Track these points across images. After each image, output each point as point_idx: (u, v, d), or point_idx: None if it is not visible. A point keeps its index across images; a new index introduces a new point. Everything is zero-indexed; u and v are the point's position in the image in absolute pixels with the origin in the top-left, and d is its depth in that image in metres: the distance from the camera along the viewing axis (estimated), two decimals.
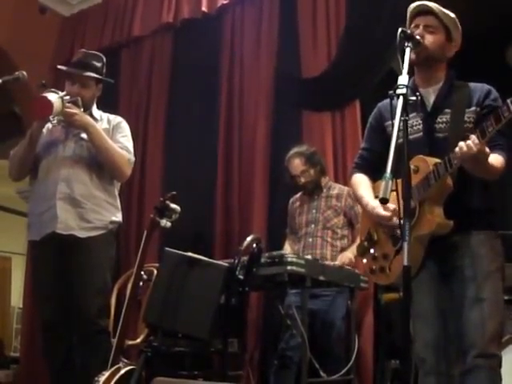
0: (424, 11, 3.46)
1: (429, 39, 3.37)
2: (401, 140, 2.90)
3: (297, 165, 5.89)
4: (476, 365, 3.06)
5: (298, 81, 7.19)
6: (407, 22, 3.51)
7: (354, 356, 5.46)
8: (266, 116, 7.23)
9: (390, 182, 2.54)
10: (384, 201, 2.57)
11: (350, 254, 5.57)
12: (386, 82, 5.25)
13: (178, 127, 7.83)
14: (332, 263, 5.41)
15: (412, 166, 3.17)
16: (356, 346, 5.52)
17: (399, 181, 2.79)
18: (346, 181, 6.00)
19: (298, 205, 6.05)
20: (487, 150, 2.97)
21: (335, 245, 5.76)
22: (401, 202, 2.71)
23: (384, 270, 3.41)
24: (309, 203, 5.96)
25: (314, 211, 5.88)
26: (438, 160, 3.16)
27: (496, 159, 3.15)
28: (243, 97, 7.48)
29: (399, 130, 2.78)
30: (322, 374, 5.19)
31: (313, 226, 5.81)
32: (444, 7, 3.49)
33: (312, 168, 5.90)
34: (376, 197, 3.30)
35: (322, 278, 5.00)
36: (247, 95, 7.46)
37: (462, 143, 2.91)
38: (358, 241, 5.11)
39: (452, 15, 3.50)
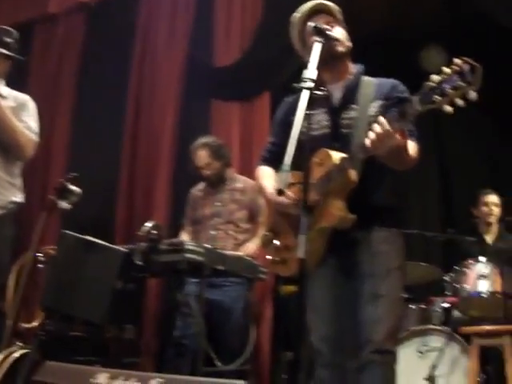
0: (319, 10, 3.45)
1: (337, 32, 3.36)
2: (310, 134, 2.93)
3: (202, 156, 5.83)
4: (371, 360, 3.07)
5: (209, 69, 7.17)
6: (299, 24, 3.49)
7: (250, 346, 5.46)
8: (175, 103, 7.19)
9: (287, 174, 2.53)
10: (280, 192, 2.57)
11: (253, 245, 5.59)
12: (298, 76, 5.26)
13: (87, 109, 7.70)
14: (232, 253, 5.38)
15: (317, 160, 3.20)
16: (253, 337, 5.52)
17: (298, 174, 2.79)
18: (251, 172, 6.00)
19: (202, 196, 5.98)
20: (403, 140, 2.94)
21: (238, 238, 5.73)
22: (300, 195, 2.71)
23: (285, 261, 3.40)
24: (213, 195, 5.90)
25: (217, 204, 5.84)
26: (342, 154, 3.15)
27: (411, 147, 3.13)
28: (154, 82, 7.42)
29: (306, 125, 2.78)
30: (217, 363, 5.17)
31: (216, 218, 5.77)
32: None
33: (217, 161, 5.84)
34: None
35: (220, 267, 4.97)
36: (158, 80, 7.40)
37: (370, 133, 2.88)
38: (260, 234, 5.15)
39: (337, 7, 3.51)
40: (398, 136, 2.83)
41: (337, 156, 3.15)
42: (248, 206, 5.80)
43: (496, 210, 6.39)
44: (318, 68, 3.07)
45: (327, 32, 3.20)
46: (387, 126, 2.78)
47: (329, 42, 3.22)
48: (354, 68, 3.51)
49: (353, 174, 3.11)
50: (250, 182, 5.81)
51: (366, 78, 3.47)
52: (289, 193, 3.20)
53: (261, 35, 6.95)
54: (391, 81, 3.43)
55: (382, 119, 2.81)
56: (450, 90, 2.53)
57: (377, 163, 3.10)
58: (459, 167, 8.33)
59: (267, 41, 6.78)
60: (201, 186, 6.05)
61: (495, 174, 7.91)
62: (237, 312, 5.54)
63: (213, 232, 5.67)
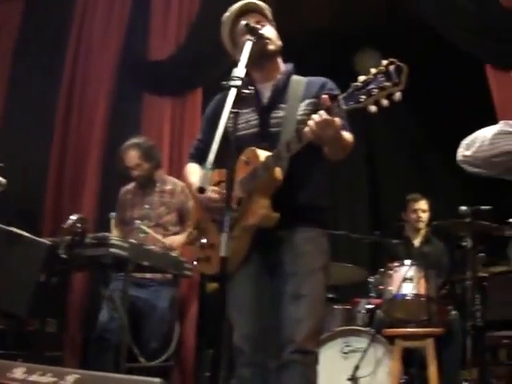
0: (250, 10, 3.45)
1: (267, 31, 3.35)
2: (238, 133, 2.95)
3: (132, 157, 5.75)
4: (292, 360, 3.05)
5: (143, 63, 7.13)
6: (229, 22, 3.47)
7: (174, 343, 5.42)
8: (108, 95, 7.13)
9: (209, 172, 2.52)
10: (201, 190, 2.54)
11: (180, 238, 5.57)
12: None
13: (18, 99, 7.53)
14: (157, 249, 5.34)
15: (244, 158, 3.19)
16: (177, 334, 5.49)
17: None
18: (181, 167, 5.98)
19: (130, 197, 5.90)
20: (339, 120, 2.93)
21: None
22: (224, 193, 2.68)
23: (209, 258, 3.38)
24: (142, 197, 5.83)
25: (146, 206, 5.76)
26: (269, 153, 3.14)
27: (345, 136, 3.13)
28: (87, 73, 7.33)
29: (233, 124, 2.77)
30: (141, 359, 5.12)
31: (145, 221, 5.67)
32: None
33: (147, 162, 5.76)
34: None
35: (145, 262, 4.91)
36: (92, 72, 7.31)
37: (310, 122, 2.86)
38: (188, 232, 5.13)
39: (265, 5, 3.51)
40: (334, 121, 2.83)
41: (263, 154, 3.14)
42: (177, 208, 5.76)
43: (424, 216, 6.46)
44: (249, 66, 3.06)
45: (259, 31, 3.19)
46: (326, 116, 2.79)
47: (260, 40, 3.21)
48: (283, 67, 3.50)
49: (278, 172, 3.11)
50: (179, 184, 5.77)
51: (296, 78, 3.47)
52: (211, 190, 3.19)
53: (196, 31, 6.95)
54: (321, 79, 3.43)
55: (321, 112, 2.82)
56: (376, 90, 2.55)
57: (304, 162, 3.11)
58: (388, 170, 8.44)
59: (202, 37, 6.77)
60: (130, 186, 5.97)
61: (424, 177, 8.03)
62: (162, 308, 5.50)
63: (142, 235, 5.57)
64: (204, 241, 3.45)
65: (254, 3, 3.46)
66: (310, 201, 3.30)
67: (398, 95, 2.53)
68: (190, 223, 4.64)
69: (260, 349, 3.21)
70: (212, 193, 3.23)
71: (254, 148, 3.20)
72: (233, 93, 2.74)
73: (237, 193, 3.14)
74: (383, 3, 7.81)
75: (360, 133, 8.12)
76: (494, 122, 5.78)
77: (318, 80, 3.43)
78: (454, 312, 5.64)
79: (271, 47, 3.35)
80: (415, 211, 6.50)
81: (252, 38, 3.10)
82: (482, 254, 5.59)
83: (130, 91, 7.10)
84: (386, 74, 2.52)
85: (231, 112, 2.71)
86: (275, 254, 3.24)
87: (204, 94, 6.72)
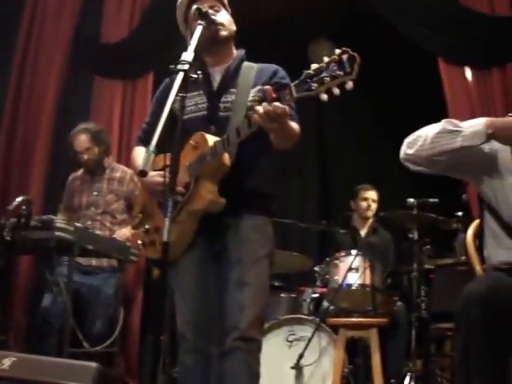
0: None
1: (221, 17, 3.34)
2: (186, 116, 2.97)
3: (82, 141, 5.72)
4: (235, 347, 3.05)
5: (95, 46, 7.07)
6: (184, 6, 3.42)
7: (118, 328, 5.39)
8: (59, 77, 7.03)
9: (152, 156, 2.48)
10: (143, 173, 2.50)
11: (126, 231, 5.54)
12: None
13: None
14: (103, 234, 5.31)
15: (192, 142, 3.17)
16: (122, 319, 5.46)
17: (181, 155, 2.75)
18: (130, 150, 5.94)
19: (79, 183, 5.86)
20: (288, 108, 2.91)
21: (113, 229, 5.66)
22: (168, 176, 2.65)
23: (154, 243, 3.36)
24: (90, 184, 5.80)
25: (95, 193, 5.74)
26: (217, 138, 3.12)
27: (293, 126, 3.15)
28: (39, 55, 7.19)
29: (180, 107, 2.74)
30: (85, 344, 5.08)
31: (93, 208, 5.67)
32: None
33: (96, 146, 5.75)
34: (155, 170, 3.27)
35: (90, 246, 4.88)
36: (43, 53, 7.18)
37: (259, 107, 2.82)
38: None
39: None
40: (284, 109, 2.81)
41: (212, 139, 3.12)
42: (125, 196, 5.75)
43: (374, 206, 6.50)
44: (201, 51, 3.06)
45: (211, 16, 3.17)
46: (277, 103, 2.77)
47: (211, 26, 3.19)
48: (236, 52, 3.49)
49: (226, 158, 3.10)
50: (129, 171, 5.77)
51: (248, 64, 3.46)
52: (155, 174, 3.17)
53: (149, 15, 6.94)
54: (272, 66, 3.42)
55: (264, 104, 2.80)
56: (328, 79, 2.55)
57: (252, 149, 3.10)
58: (339, 158, 8.48)
59: (155, 21, 6.77)
60: (79, 172, 5.93)
61: (375, 167, 8.07)
62: (107, 294, 5.49)
63: (89, 222, 5.54)
64: (147, 226, 3.43)
65: None
66: (257, 188, 3.29)
67: (349, 84, 2.53)
68: (136, 209, 4.64)
69: (203, 335, 3.20)
70: (156, 176, 3.20)
71: (202, 132, 3.18)
72: (180, 76, 2.70)
73: (184, 177, 3.13)
74: None
75: (311, 120, 8.23)
76: (445, 114, 5.91)
77: (270, 67, 3.42)
78: (399, 303, 5.68)
79: (223, 33, 3.33)
80: (366, 199, 6.53)
81: (203, 23, 3.07)
82: (428, 246, 5.65)
83: (81, 74, 7.02)
84: (339, 63, 2.53)
85: (178, 95, 2.68)
86: (221, 241, 3.23)
87: (155, 79, 6.69)
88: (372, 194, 6.56)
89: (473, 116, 5.84)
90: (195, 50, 2.83)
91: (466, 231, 3.30)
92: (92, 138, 5.71)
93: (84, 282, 5.39)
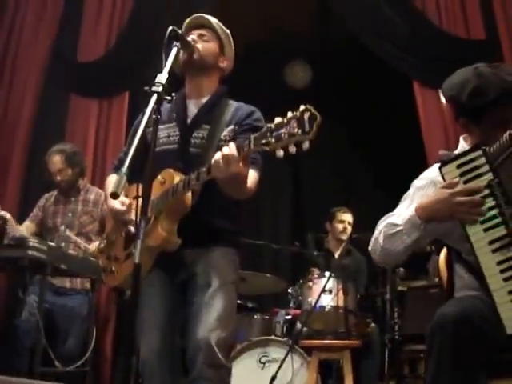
0: (200, 24, 3.42)
1: (202, 45, 3.31)
2: (159, 147, 2.95)
3: (56, 162, 5.70)
4: (203, 375, 2.99)
5: (72, 64, 7.05)
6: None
7: (90, 348, 5.35)
8: (35, 94, 6.99)
9: (124, 178, 2.44)
10: (114, 195, 2.47)
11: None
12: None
13: None
14: (76, 253, 5.28)
15: (160, 178, 3.14)
16: (94, 339, 5.42)
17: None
18: (104, 169, 5.95)
19: (53, 204, 5.83)
20: (245, 169, 2.88)
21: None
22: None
23: (113, 272, 3.33)
24: (65, 205, 5.78)
25: (70, 215, 5.71)
26: (184, 176, 3.07)
27: (250, 177, 3.08)
28: (15, 71, 7.15)
29: (153, 130, 2.71)
30: (56, 364, 5.04)
31: (68, 230, 5.64)
32: (224, 21, 3.47)
33: (70, 168, 5.72)
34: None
35: (63, 266, 4.85)
36: (20, 70, 7.13)
37: (218, 154, 2.78)
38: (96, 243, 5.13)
39: (226, 30, 3.49)
40: (240, 164, 2.79)
41: (177, 177, 3.09)
42: (100, 218, 5.69)
43: (349, 229, 6.52)
44: (183, 77, 3.03)
45: (185, 38, 3.17)
46: (234, 151, 2.73)
47: (186, 48, 3.19)
48: (216, 88, 3.46)
49: (186, 199, 3.07)
50: (103, 193, 5.69)
51: (226, 101, 3.42)
52: (119, 202, 3.15)
53: (126, 35, 6.94)
54: (250, 108, 3.38)
55: (231, 144, 2.75)
56: (286, 136, 2.49)
57: (218, 188, 3.03)
58: (312, 181, 8.51)
59: (132, 41, 6.80)
60: (52, 193, 5.91)
61: (348, 189, 8.11)
62: (80, 313, 5.44)
63: (63, 244, 5.50)
64: (109, 252, 3.41)
65: (204, 18, 3.42)
66: (223, 225, 3.26)
67: (306, 144, 2.47)
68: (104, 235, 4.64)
69: (168, 363, 3.17)
70: (120, 204, 3.19)
71: (170, 170, 3.14)
72: (153, 99, 2.69)
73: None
74: (316, 18, 7.88)
75: None
76: (420, 136, 5.95)
77: (247, 108, 3.37)
78: (372, 325, 5.68)
79: (195, 57, 3.28)
80: (342, 222, 6.56)
81: (177, 45, 3.06)
82: (401, 269, 5.67)
83: (57, 92, 6.99)
84: (299, 120, 2.46)
85: (151, 119, 2.66)
86: (188, 269, 3.20)
87: (131, 99, 6.73)
88: (348, 217, 6.59)
89: (446, 138, 5.97)
90: (172, 74, 2.83)
91: (439, 254, 3.30)
92: (66, 160, 5.69)
93: (56, 302, 5.36)
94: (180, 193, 3.02)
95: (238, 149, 2.72)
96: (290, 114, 2.51)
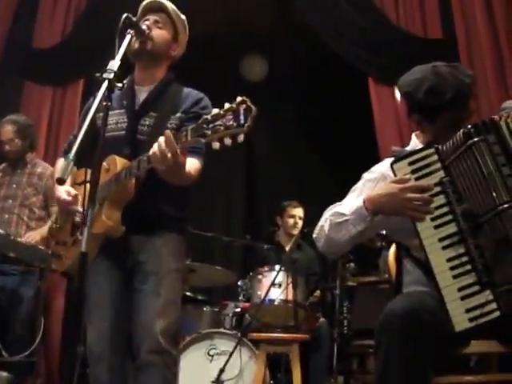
0: (157, 8, 3.41)
1: (156, 32, 3.30)
2: (107, 133, 2.88)
3: (6, 131, 5.68)
4: (148, 361, 3.03)
5: (27, 50, 6.97)
6: (138, 17, 3.37)
7: (38, 338, 5.29)
8: None
9: (71, 164, 2.40)
10: (60, 181, 2.43)
11: (36, 235, 5.43)
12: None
13: None
14: (25, 241, 5.22)
15: (105, 165, 3.11)
16: (42, 328, 5.37)
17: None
18: (56, 156, 5.87)
19: (0, 176, 5.78)
20: (182, 158, 2.88)
21: (30, 225, 5.57)
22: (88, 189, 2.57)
23: (60, 256, 3.33)
24: (10, 177, 5.73)
25: (14, 186, 5.65)
26: (127, 163, 3.07)
27: (191, 164, 3.12)
28: None
29: (102, 117, 2.69)
30: (3, 353, 4.99)
31: (10, 201, 5.58)
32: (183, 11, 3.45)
33: (21, 140, 5.70)
34: (76, 183, 3.22)
35: (12, 254, 4.83)
36: None
37: (155, 146, 2.79)
38: (49, 222, 5.04)
39: (183, 17, 3.48)
40: (178, 153, 2.78)
41: (121, 164, 3.08)
42: (44, 191, 5.66)
43: (300, 223, 6.53)
44: (133, 64, 3.01)
45: (140, 26, 3.15)
46: (170, 143, 2.73)
47: (140, 36, 3.17)
48: (164, 75, 3.45)
49: (129, 186, 3.08)
50: (50, 168, 5.69)
51: (175, 87, 3.42)
52: (65, 191, 3.15)
53: (83, 22, 6.89)
54: (197, 94, 3.39)
55: (168, 133, 2.75)
56: (221, 128, 2.51)
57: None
58: (266, 175, 8.52)
59: (88, 28, 6.73)
60: (2, 165, 5.85)
61: (301, 184, 8.13)
62: (26, 301, 5.34)
63: (6, 215, 5.48)
64: (58, 236, 3.40)
65: (160, 3, 3.41)
66: (170, 210, 3.27)
67: (240, 137, 2.50)
68: (54, 210, 4.59)
69: (115, 350, 3.16)
70: (66, 194, 3.17)
71: (114, 156, 3.12)
72: (104, 85, 2.66)
73: None
74: (273, 12, 7.88)
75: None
76: (373, 131, 6.00)
77: (196, 95, 3.38)
78: (322, 319, 5.71)
79: (148, 47, 3.28)
80: (293, 216, 6.56)
81: (132, 32, 3.03)
82: (351, 264, 5.70)
83: (10, 78, 6.91)
84: (235, 113, 2.48)
85: (101, 105, 2.64)
86: (133, 255, 3.19)
87: (85, 86, 6.67)
88: (299, 211, 6.59)
89: (400, 134, 6.01)
90: (125, 60, 2.80)
91: (389, 249, 3.32)
92: (17, 131, 5.68)
93: (2, 285, 5.25)
94: (123, 180, 3.02)
95: (176, 140, 2.72)
96: (226, 106, 2.52)
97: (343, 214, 2.79)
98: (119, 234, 3.10)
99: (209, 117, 2.55)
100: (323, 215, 2.94)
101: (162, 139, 2.74)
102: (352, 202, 2.83)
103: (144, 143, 3.13)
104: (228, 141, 2.51)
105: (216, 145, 2.54)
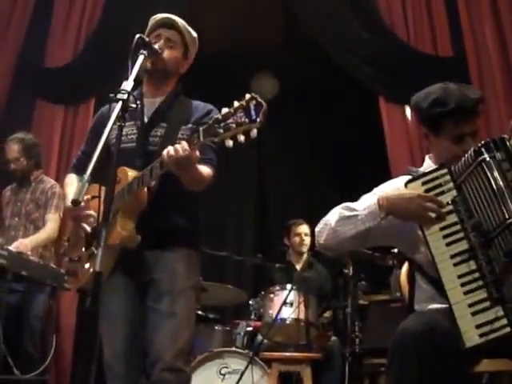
0: (168, 25, 3.42)
1: (167, 53, 3.32)
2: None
3: (12, 150, 5.72)
4: (162, 378, 3.01)
5: (39, 69, 7.03)
6: (147, 31, 3.42)
7: (50, 356, 5.30)
8: (0, 98, 6.91)
9: (86, 185, 2.42)
10: (75, 202, 2.45)
11: (27, 242, 5.38)
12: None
13: None
14: (37, 259, 5.23)
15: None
16: (53, 346, 5.37)
17: (104, 188, 2.70)
18: None
19: (9, 195, 5.84)
20: (196, 154, 2.90)
21: None
22: (101, 207, 2.59)
23: (76, 273, 3.33)
24: (17, 195, 5.78)
25: (18, 204, 5.71)
26: (138, 173, 3.08)
27: (204, 169, 3.13)
28: None
29: (116, 137, 2.70)
30: (15, 371, 4.99)
31: (16, 219, 5.64)
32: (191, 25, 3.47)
33: (26, 159, 5.74)
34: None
35: (24, 272, 4.82)
36: None
37: (170, 147, 2.84)
38: (46, 230, 5.30)
39: (194, 34, 3.50)
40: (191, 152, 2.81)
41: (132, 175, 3.09)
42: (43, 204, 5.69)
43: (307, 240, 6.51)
44: (142, 80, 3.01)
45: (153, 46, 3.17)
46: (184, 145, 2.77)
47: (153, 56, 3.19)
48: (173, 87, 3.46)
49: (143, 195, 3.09)
50: (52, 182, 5.82)
51: (184, 99, 3.45)
52: (83, 205, 3.10)
53: (94, 41, 6.93)
54: (207, 106, 3.41)
55: (182, 142, 2.80)
56: (234, 125, 2.54)
57: (173, 185, 3.05)
58: (277, 195, 8.53)
59: (99, 48, 6.79)
60: (11, 186, 5.90)
61: (311, 203, 8.13)
62: (36, 318, 5.35)
63: (13, 232, 5.53)
64: (72, 253, 3.40)
65: (172, 20, 3.42)
66: (183, 223, 3.27)
67: (254, 132, 2.53)
68: (50, 217, 4.65)
69: (130, 366, 3.16)
70: (83, 208, 3.17)
71: (125, 168, 3.13)
72: (119, 106, 2.67)
73: None
74: (283, 30, 7.91)
75: (251, 155, 8.25)
76: (385, 151, 6.00)
77: (205, 106, 3.40)
78: (334, 338, 5.69)
79: (159, 66, 3.31)
80: (298, 234, 6.55)
81: (145, 52, 3.06)
82: (363, 282, 5.68)
83: (23, 97, 6.95)
84: (246, 109, 2.52)
85: (115, 125, 2.65)
86: (147, 272, 3.19)
87: (97, 105, 6.65)
88: (304, 228, 6.57)
89: (411, 154, 6.01)
90: (135, 79, 2.82)
91: (401, 268, 3.32)
92: (23, 150, 5.71)
93: (13, 303, 5.20)
94: (135, 190, 3.03)
95: (189, 143, 2.77)
96: (236, 104, 2.54)
97: (353, 209, 2.81)
98: (135, 244, 3.10)
99: (219, 116, 2.59)
100: (330, 212, 2.94)
101: (176, 145, 2.80)
102: (364, 201, 2.84)
103: (155, 154, 3.12)
104: (241, 137, 2.54)
105: (229, 142, 2.57)
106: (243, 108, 2.52)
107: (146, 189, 3.08)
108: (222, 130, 2.57)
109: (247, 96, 2.54)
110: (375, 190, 3.01)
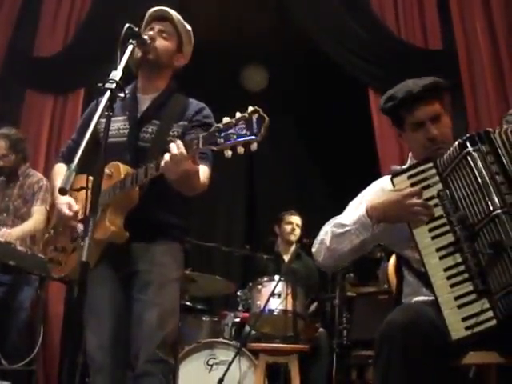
0: (162, 17, 3.41)
1: (159, 42, 3.30)
2: (108, 140, 2.84)
3: (0, 147, 5.68)
4: (146, 370, 3.02)
5: (28, 58, 7.01)
6: (143, 25, 3.41)
7: (38, 346, 5.29)
8: None
9: (73, 174, 2.41)
10: (63, 191, 2.44)
11: (11, 231, 5.40)
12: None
13: None
14: (24, 249, 5.22)
15: (107, 171, 3.09)
16: (41, 336, 5.36)
17: (92, 178, 2.68)
18: None
19: None
20: (195, 166, 2.92)
21: None
22: (89, 197, 2.58)
23: (60, 263, 3.33)
24: (4, 190, 5.73)
25: (6, 199, 5.67)
26: (131, 170, 3.08)
27: (203, 173, 3.12)
28: None
29: (104, 127, 2.69)
30: (3, 361, 4.98)
31: (4, 214, 5.61)
32: (184, 18, 3.47)
33: (14, 154, 5.70)
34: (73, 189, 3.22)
35: (11, 262, 4.82)
36: None
37: (167, 155, 2.80)
38: (33, 220, 5.33)
39: (188, 28, 3.49)
40: (190, 162, 2.81)
41: (124, 171, 3.09)
42: (30, 198, 5.69)
43: (298, 231, 6.53)
44: (136, 72, 3.05)
45: (142, 36, 3.15)
46: (183, 150, 2.75)
47: (142, 46, 3.18)
48: (167, 83, 3.45)
49: (134, 193, 3.09)
50: (39, 176, 5.80)
51: (178, 96, 3.43)
52: (66, 204, 3.15)
53: (84, 31, 6.92)
54: (198, 104, 3.41)
55: (179, 142, 2.77)
56: (234, 136, 2.54)
57: (165, 183, 3.02)
58: (266, 186, 8.54)
59: (89, 38, 6.76)
60: (0, 180, 5.84)
61: (301, 195, 8.14)
62: (24, 309, 5.34)
63: (3, 228, 5.47)
64: (56, 242, 3.39)
65: (167, 12, 3.41)
66: (170, 219, 3.27)
67: (254, 146, 2.52)
68: (36, 209, 4.62)
69: (114, 358, 3.16)
70: (67, 207, 3.18)
71: (118, 163, 3.12)
72: (107, 95, 2.66)
73: None
74: (274, 22, 7.90)
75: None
76: (373, 142, 6.00)
77: (197, 104, 3.40)
78: (321, 329, 5.71)
79: (150, 57, 3.28)
80: (290, 223, 6.57)
81: (134, 42, 3.04)
82: (351, 274, 5.69)
83: (12, 86, 6.93)
84: (248, 122, 2.51)
85: (103, 115, 2.63)
86: (132, 264, 3.18)
87: (86, 95, 6.70)
88: (296, 219, 6.60)
89: (400, 146, 6.01)
90: (127, 70, 2.81)
91: (389, 260, 3.32)
92: (10, 146, 5.67)
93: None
94: (128, 188, 3.03)
95: (186, 147, 2.74)
96: (238, 115, 2.54)
97: (344, 225, 2.81)
98: (123, 240, 3.10)
99: (221, 125, 2.57)
100: (322, 229, 2.95)
101: (173, 147, 2.76)
102: (352, 213, 2.85)
103: (146, 150, 3.17)
104: (241, 149, 2.53)
105: (228, 153, 2.56)
106: (245, 120, 2.51)
107: (137, 187, 3.07)
108: (222, 140, 2.56)
109: (250, 108, 2.53)
110: (361, 195, 3.05)
